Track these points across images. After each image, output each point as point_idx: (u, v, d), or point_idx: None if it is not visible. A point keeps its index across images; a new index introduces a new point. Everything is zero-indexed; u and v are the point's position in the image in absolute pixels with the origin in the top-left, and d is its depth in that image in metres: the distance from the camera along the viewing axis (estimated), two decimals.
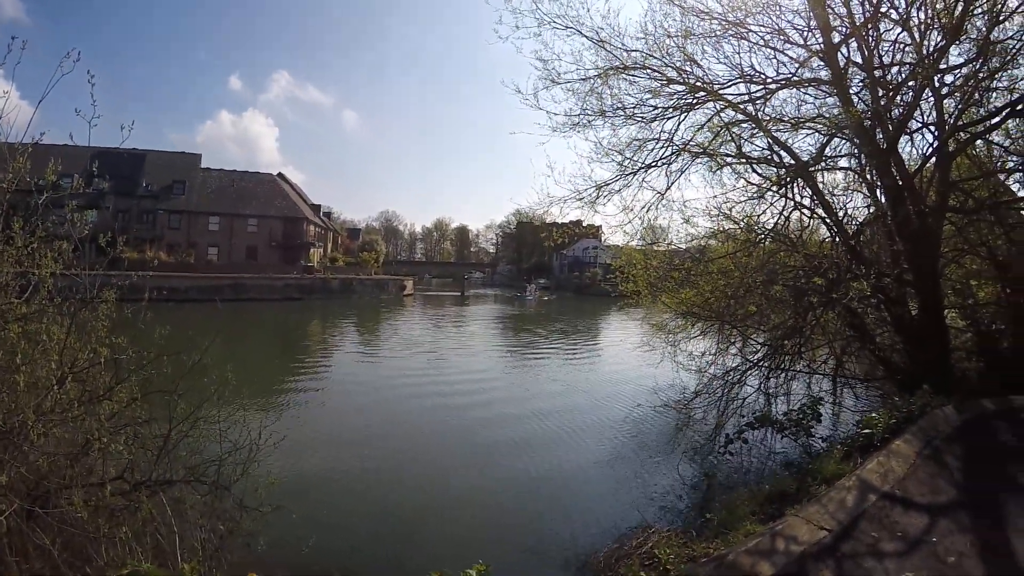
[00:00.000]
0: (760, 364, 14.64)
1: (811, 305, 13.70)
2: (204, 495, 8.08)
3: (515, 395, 22.16)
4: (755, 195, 14.56)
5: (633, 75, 13.80)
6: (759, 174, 14.52)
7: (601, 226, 17.61)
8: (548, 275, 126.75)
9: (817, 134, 14.36)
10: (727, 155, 14.04)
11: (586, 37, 13.66)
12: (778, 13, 13.20)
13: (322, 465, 13.71)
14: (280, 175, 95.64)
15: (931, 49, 12.21)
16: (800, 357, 14.83)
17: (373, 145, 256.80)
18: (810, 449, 10.69)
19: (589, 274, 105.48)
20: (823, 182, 14.61)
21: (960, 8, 11.56)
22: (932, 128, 13.63)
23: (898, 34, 12.98)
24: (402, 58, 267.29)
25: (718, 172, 14.57)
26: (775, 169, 14.28)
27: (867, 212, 14.73)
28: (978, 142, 14.21)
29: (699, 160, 14.42)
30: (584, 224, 18.07)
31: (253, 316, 54.68)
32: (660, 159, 14.45)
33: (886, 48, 13.18)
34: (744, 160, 14.34)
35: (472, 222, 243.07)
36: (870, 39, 12.95)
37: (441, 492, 12.70)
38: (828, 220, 14.42)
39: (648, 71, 13.69)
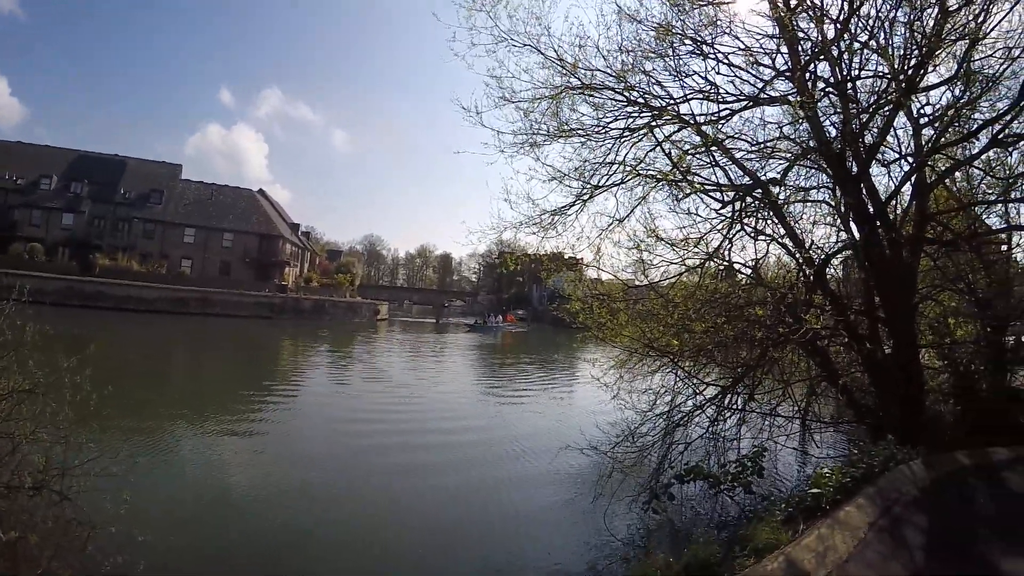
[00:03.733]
0: (705, 406, 13.23)
1: (767, 341, 12.33)
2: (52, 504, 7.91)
3: (440, 429, 21.11)
4: (717, 224, 13.40)
5: (591, 95, 12.87)
6: (721, 200, 13.25)
7: (582, 259, 16.35)
8: (527, 306, 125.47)
9: (783, 160, 13.29)
10: (686, 180, 13.01)
11: (543, 55, 12.75)
12: (744, 31, 12.27)
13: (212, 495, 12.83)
14: (261, 191, 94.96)
15: (906, 67, 11.22)
16: (753, 398, 13.53)
17: (361, 167, 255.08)
18: (750, 508, 9.20)
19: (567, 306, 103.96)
20: (789, 211, 13.49)
21: (933, 26, 10.69)
22: (909, 157, 12.70)
23: (869, 54, 11.94)
24: (390, 79, 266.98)
25: (681, 199, 13.56)
26: (738, 195, 13.04)
27: (836, 243, 13.47)
28: (956, 173, 13.31)
29: (660, 186, 13.40)
30: (567, 256, 16.78)
31: (217, 332, 54.30)
32: (617, 183, 13.47)
33: (857, 69, 12.06)
34: (706, 185, 13.22)
35: (456, 250, 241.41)
36: (842, 60, 11.85)
37: (336, 530, 11.79)
38: (793, 250, 13.28)
39: (607, 90, 12.75)
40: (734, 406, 13.45)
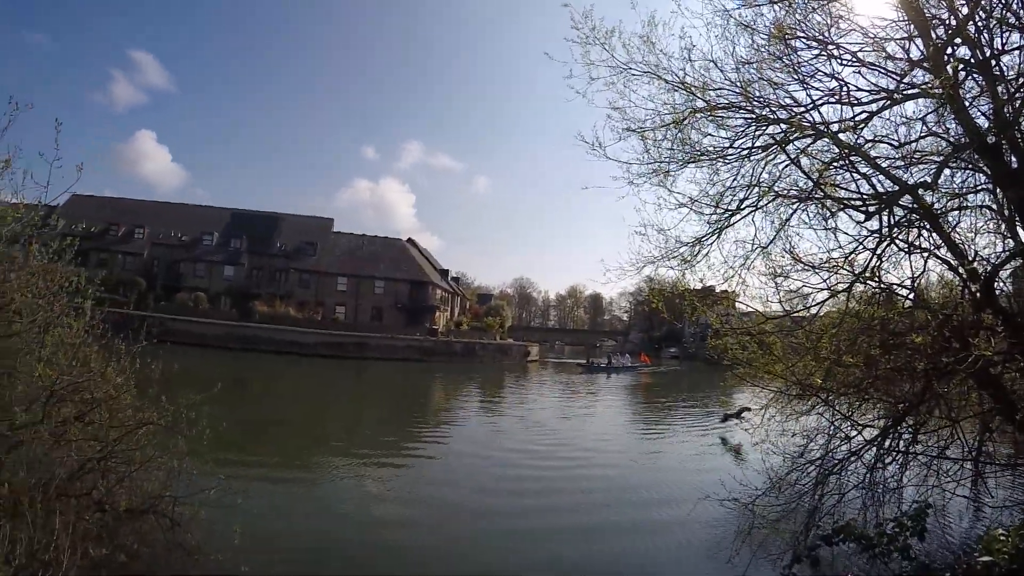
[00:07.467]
0: (862, 450, 11.59)
1: (931, 373, 10.73)
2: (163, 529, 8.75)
3: (580, 473, 20.71)
4: (864, 239, 11.81)
5: (716, 114, 11.89)
6: (865, 212, 11.75)
7: (726, 291, 15.34)
8: (678, 343, 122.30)
9: (933, 162, 11.52)
10: (829, 196, 11.63)
11: (664, 80, 12.02)
12: (870, 22, 10.93)
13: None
14: (410, 240, 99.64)
15: None
16: (917, 440, 11.71)
17: (506, 211, 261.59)
18: None
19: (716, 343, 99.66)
20: (946, 219, 11.66)
21: None
22: None
23: (1009, 29, 10.21)
24: (523, 122, 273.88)
25: (828, 218, 12.09)
26: (884, 205, 11.50)
27: (1003, 252, 11.53)
28: None
29: (803, 205, 12.07)
30: (708, 287, 15.90)
31: (370, 374, 57.02)
32: (753, 206, 12.36)
33: (1000, 47, 10.34)
34: (849, 198, 11.74)
35: (606, 289, 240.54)
36: (981, 38, 10.26)
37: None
38: (955, 263, 11.37)
39: (733, 108, 11.80)
40: (895, 449, 11.68)
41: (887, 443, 11.64)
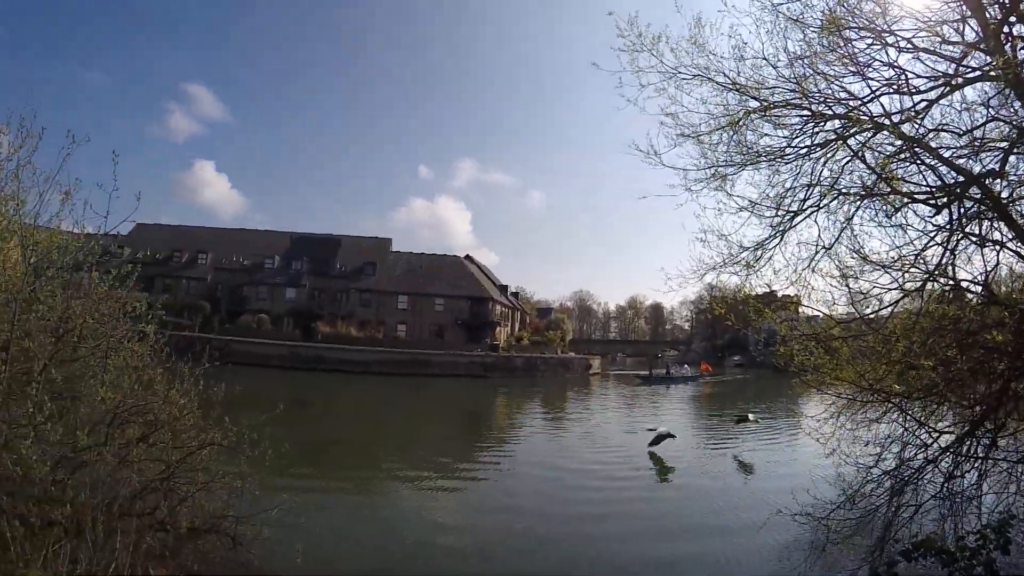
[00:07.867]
0: (939, 458, 10.95)
1: (1009, 373, 10.21)
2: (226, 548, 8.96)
3: (649, 491, 20.65)
4: (933, 234, 11.27)
5: (772, 113, 11.68)
6: (934, 205, 11.24)
7: (791, 295, 14.93)
8: (743, 351, 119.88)
9: (999, 150, 10.95)
10: (894, 191, 11.15)
11: (715, 82, 11.84)
12: (922, 4, 10.52)
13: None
14: (468, 257, 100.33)
15: None
16: (996, 445, 10.94)
17: (562, 224, 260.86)
18: None
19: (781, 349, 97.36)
20: (1017, 209, 11.03)
21: None
22: None
23: None
24: (574, 135, 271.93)
25: (892, 215, 11.59)
26: (952, 197, 11.00)
27: None
28: None
29: (865, 203, 11.74)
30: (770, 292, 15.45)
31: (430, 391, 57.21)
32: (815, 207, 12.00)
33: None
34: (914, 192, 11.29)
35: (666, 299, 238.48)
36: None
37: None
38: None
39: (789, 106, 11.55)
40: (974, 455, 11.00)
41: (965, 449, 11.03)
